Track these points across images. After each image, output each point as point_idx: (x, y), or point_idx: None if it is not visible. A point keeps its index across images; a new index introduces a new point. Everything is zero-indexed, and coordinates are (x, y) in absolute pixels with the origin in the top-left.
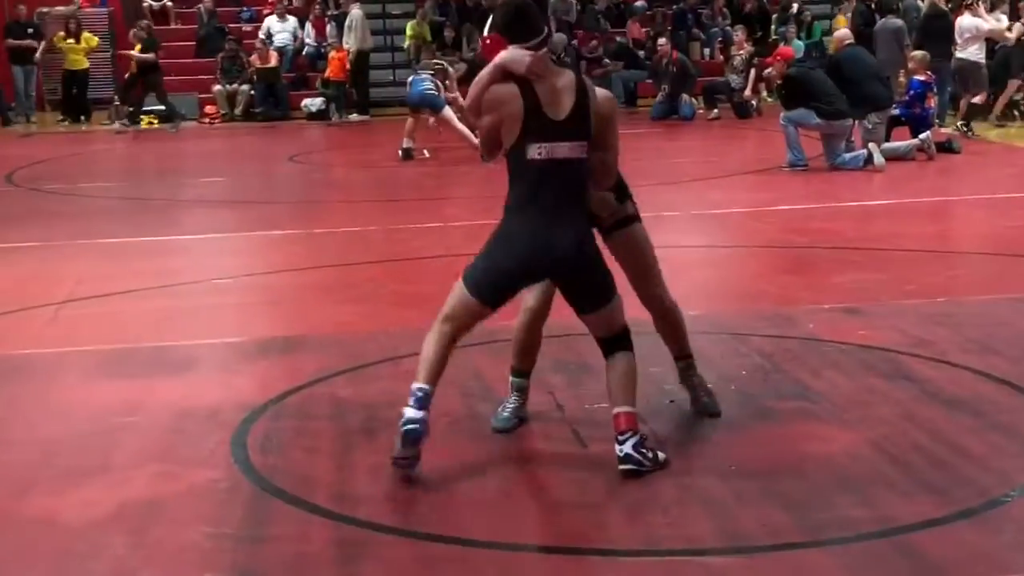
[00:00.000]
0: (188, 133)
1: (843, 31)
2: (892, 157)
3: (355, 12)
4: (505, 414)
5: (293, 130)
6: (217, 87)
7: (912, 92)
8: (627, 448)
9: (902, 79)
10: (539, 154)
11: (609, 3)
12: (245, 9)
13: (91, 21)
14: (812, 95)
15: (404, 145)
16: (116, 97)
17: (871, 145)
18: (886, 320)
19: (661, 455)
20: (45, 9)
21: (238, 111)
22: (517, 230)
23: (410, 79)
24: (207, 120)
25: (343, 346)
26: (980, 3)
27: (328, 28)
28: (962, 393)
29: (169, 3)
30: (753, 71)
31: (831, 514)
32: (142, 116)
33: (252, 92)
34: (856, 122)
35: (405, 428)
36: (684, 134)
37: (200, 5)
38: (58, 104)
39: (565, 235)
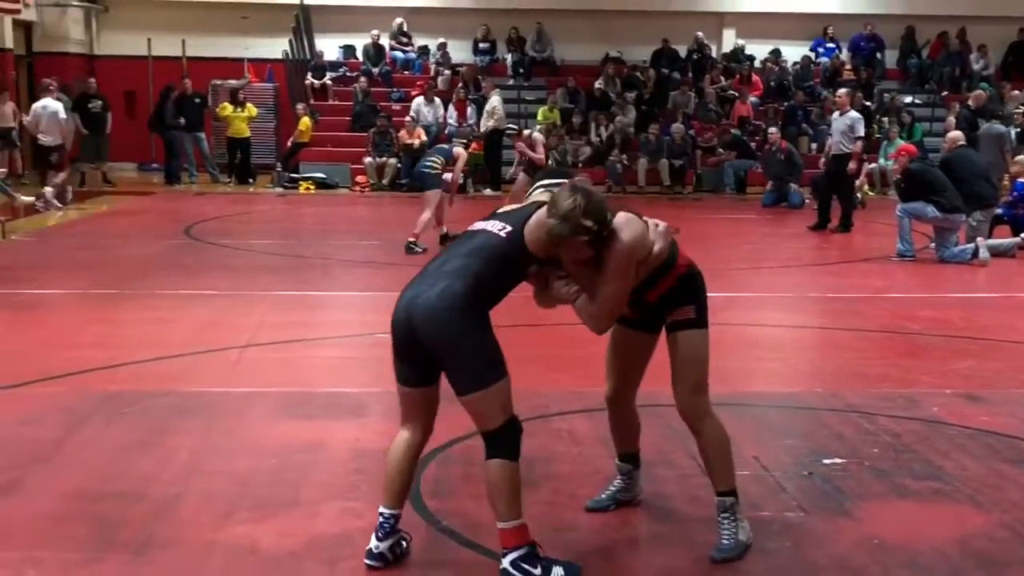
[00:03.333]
0: (341, 200)
1: (956, 133)
2: (995, 253)
3: (495, 98)
4: (602, 496)
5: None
6: (368, 159)
7: (1016, 193)
8: (505, 563)
9: (1005, 182)
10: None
11: (720, 94)
12: (396, 90)
13: (258, 94)
14: (932, 189)
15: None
16: (278, 164)
17: (979, 240)
18: (1005, 407)
19: (558, 570)
20: (218, 80)
21: (385, 181)
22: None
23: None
24: (358, 188)
25: None
26: None
27: (468, 110)
28: None
29: (329, 81)
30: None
31: None
32: (301, 182)
33: (399, 165)
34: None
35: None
36: (793, 221)
37: (356, 85)
38: (225, 167)
39: (428, 290)
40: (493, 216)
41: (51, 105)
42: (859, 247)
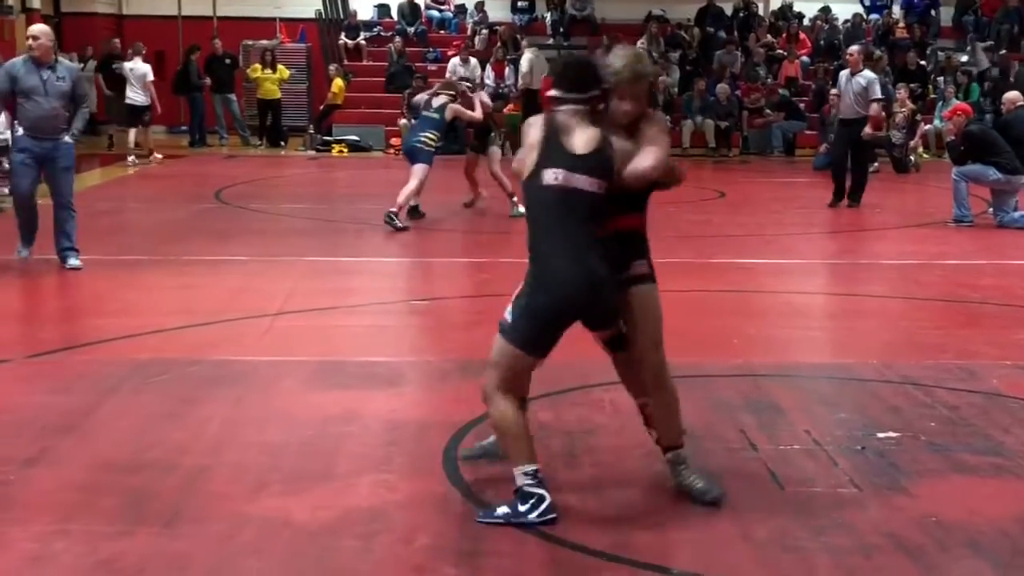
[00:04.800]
0: (375, 163)
1: (1014, 93)
2: None
3: (527, 56)
4: None
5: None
6: (403, 121)
7: None
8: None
9: None
10: (554, 179)
11: (768, 54)
12: (431, 50)
13: (289, 55)
14: (991, 152)
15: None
16: (310, 126)
17: None
18: None
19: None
20: (250, 41)
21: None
22: (552, 269)
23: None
24: (392, 151)
25: (539, 371)
26: None
27: (507, 71)
28: None
29: (363, 42)
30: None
31: None
32: (333, 145)
33: None
34: None
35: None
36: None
37: (391, 45)
38: (255, 130)
39: (601, 269)
40: (572, 162)
41: (139, 67)
42: (914, 212)
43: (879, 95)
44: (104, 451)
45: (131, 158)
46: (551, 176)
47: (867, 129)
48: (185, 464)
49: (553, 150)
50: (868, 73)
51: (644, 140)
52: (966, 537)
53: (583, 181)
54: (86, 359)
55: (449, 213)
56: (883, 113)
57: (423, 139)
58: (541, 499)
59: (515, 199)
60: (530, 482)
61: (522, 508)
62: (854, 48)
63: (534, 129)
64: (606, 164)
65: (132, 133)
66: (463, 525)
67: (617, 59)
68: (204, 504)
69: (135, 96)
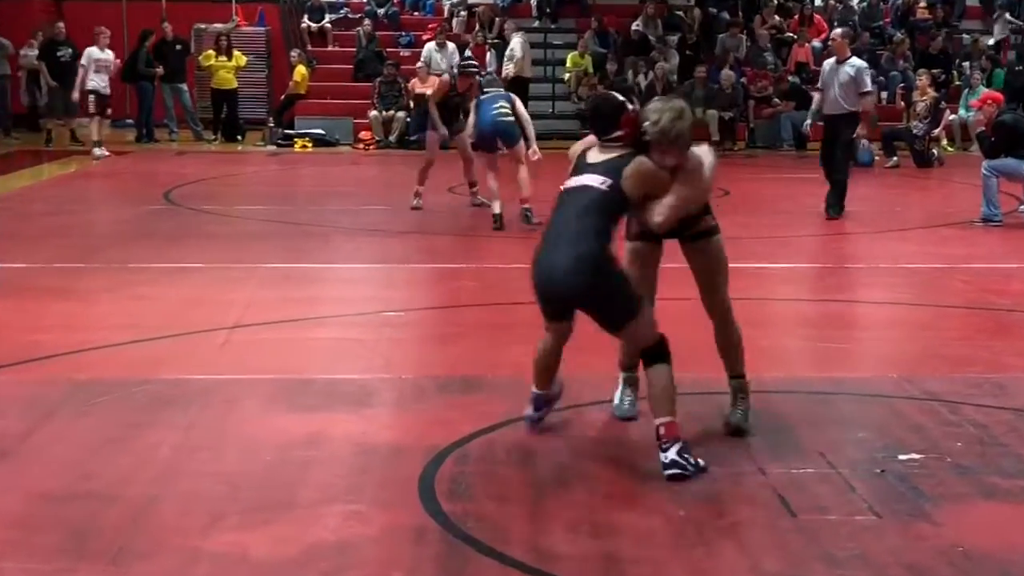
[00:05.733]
0: (343, 159)
1: None
2: None
3: (516, 40)
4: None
5: (450, 159)
6: (373, 113)
7: None
8: (671, 455)
9: None
10: (563, 186)
11: (775, 37)
12: (404, 34)
13: (247, 40)
14: None
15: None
16: (270, 119)
17: None
18: None
19: (701, 462)
20: (202, 25)
21: (393, 138)
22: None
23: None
24: (362, 146)
25: (524, 389)
26: None
27: (488, 56)
28: None
29: (328, 25)
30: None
31: None
32: (296, 139)
33: (408, 119)
34: None
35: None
36: (863, 181)
37: (359, 28)
38: (209, 123)
39: (563, 260)
40: (587, 168)
41: (108, 54)
42: (937, 210)
43: (870, 87)
44: (41, 480)
45: (101, 151)
46: (571, 183)
47: (860, 130)
48: (131, 495)
49: (576, 167)
50: (856, 61)
51: (677, 180)
52: (997, 569)
53: (591, 179)
54: (19, 379)
55: (430, 213)
56: (874, 109)
57: (503, 111)
58: (539, 400)
59: (475, 189)
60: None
61: (528, 410)
62: (837, 32)
63: (577, 146)
64: (616, 166)
65: (96, 124)
66: (442, 560)
67: (655, 113)
68: (153, 538)
69: (100, 83)
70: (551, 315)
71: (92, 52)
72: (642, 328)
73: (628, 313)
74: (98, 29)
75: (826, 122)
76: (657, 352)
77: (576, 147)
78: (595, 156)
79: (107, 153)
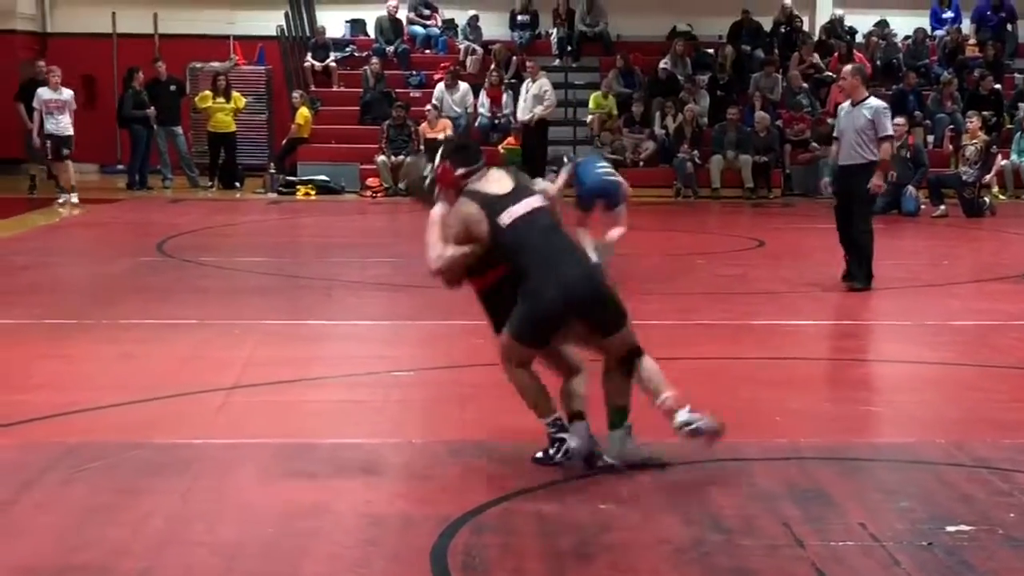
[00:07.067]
0: (348, 207)
1: None
2: None
3: (545, 80)
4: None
5: None
6: (381, 158)
7: None
8: (683, 415)
9: None
10: (512, 217)
11: (814, 76)
12: (415, 73)
13: (246, 80)
14: None
15: None
16: (271, 164)
17: None
18: None
19: (717, 419)
20: (198, 64)
21: (402, 185)
22: (542, 283)
23: (577, 160)
24: (369, 193)
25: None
26: None
27: (504, 98)
28: None
29: (333, 63)
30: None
31: None
32: (298, 186)
33: None
34: None
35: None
36: (909, 232)
37: (366, 67)
38: (206, 169)
39: (588, 267)
40: (518, 195)
41: (66, 92)
42: (988, 263)
43: (890, 131)
44: (26, 553)
45: (71, 197)
46: (517, 211)
47: (875, 180)
48: (123, 568)
49: (506, 198)
50: (873, 101)
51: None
52: None
53: (533, 201)
54: (2, 443)
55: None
56: (892, 156)
57: (607, 169)
58: (563, 443)
59: None
60: (552, 430)
61: (551, 452)
62: (847, 69)
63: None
64: (525, 184)
65: (61, 169)
66: None
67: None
68: None
69: (54, 125)
70: (545, 339)
71: (41, 93)
72: (631, 329)
73: (625, 316)
74: (46, 68)
75: (839, 175)
76: (640, 349)
77: (469, 208)
78: (502, 185)
79: (76, 201)
